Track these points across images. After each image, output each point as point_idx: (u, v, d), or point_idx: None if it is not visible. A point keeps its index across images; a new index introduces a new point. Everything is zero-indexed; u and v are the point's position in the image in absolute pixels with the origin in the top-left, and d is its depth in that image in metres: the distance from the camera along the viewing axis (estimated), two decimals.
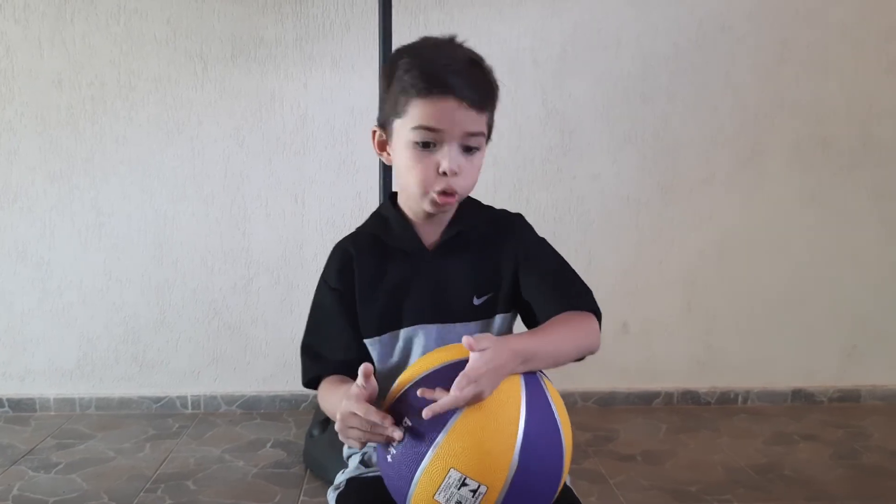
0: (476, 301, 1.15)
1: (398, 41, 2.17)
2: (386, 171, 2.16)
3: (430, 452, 0.90)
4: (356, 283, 1.16)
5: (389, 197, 1.22)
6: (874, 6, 2.59)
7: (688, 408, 2.69)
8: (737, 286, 2.68)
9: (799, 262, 2.68)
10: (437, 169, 1.07)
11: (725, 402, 2.72)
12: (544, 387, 0.99)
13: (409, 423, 0.92)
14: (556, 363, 1.04)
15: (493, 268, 1.16)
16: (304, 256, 2.56)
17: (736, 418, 2.60)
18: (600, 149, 2.59)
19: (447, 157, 1.06)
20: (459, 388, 0.90)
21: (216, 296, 2.57)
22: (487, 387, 0.91)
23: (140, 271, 2.54)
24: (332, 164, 2.53)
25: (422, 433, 0.91)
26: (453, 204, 1.11)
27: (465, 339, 0.93)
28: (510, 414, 0.92)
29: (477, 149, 1.10)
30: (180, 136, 2.49)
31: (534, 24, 2.51)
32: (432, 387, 0.92)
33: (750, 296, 2.68)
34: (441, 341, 1.12)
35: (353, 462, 1.20)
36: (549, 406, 0.97)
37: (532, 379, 0.98)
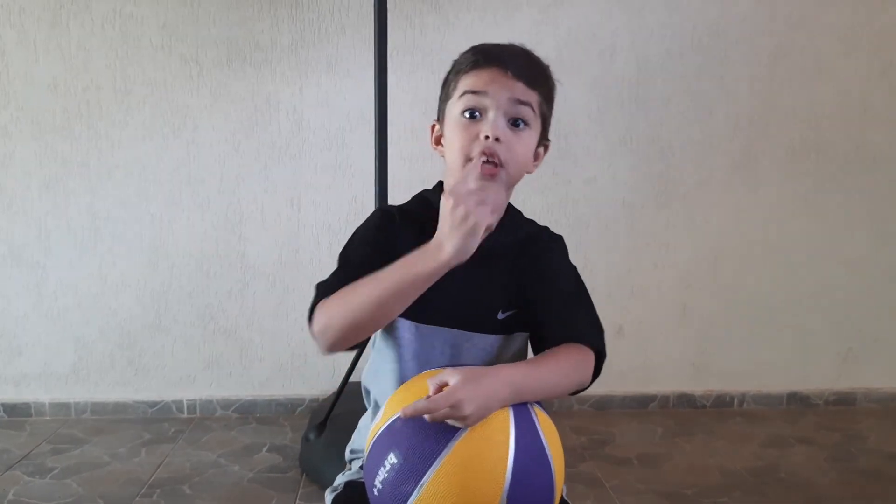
0: (501, 315, 1.12)
1: (393, 46, 2.18)
2: (382, 175, 2.16)
3: (416, 492, 0.89)
4: (396, 247, 1.08)
5: (439, 183, 1.18)
6: (867, 11, 2.60)
7: (683, 411, 2.69)
8: (731, 290, 2.69)
9: (793, 265, 2.69)
10: (480, 136, 1.06)
11: (721, 406, 2.72)
12: (535, 419, 0.97)
13: (395, 461, 0.91)
14: (547, 397, 1.01)
15: (524, 285, 1.13)
16: (300, 261, 2.56)
17: (732, 421, 2.60)
18: (595, 153, 2.60)
19: (490, 123, 1.06)
20: (439, 398, 0.89)
21: (212, 300, 2.57)
22: (474, 410, 0.89)
23: (136, 275, 2.54)
24: (328, 169, 2.53)
25: (408, 471, 0.90)
26: (497, 177, 1.06)
27: (428, 381, 0.93)
28: (498, 450, 0.90)
29: (525, 124, 1.09)
30: (176, 140, 2.49)
31: (529, 29, 2.52)
32: (415, 423, 0.91)
33: (744, 299, 2.69)
34: (455, 348, 1.10)
35: (356, 465, 1.19)
36: (540, 442, 0.95)
37: (522, 412, 0.96)
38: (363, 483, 1.14)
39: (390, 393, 1.04)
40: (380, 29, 2.13)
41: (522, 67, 1.09)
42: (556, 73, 2.69)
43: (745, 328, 2.70)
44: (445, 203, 0.97)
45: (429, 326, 1.10)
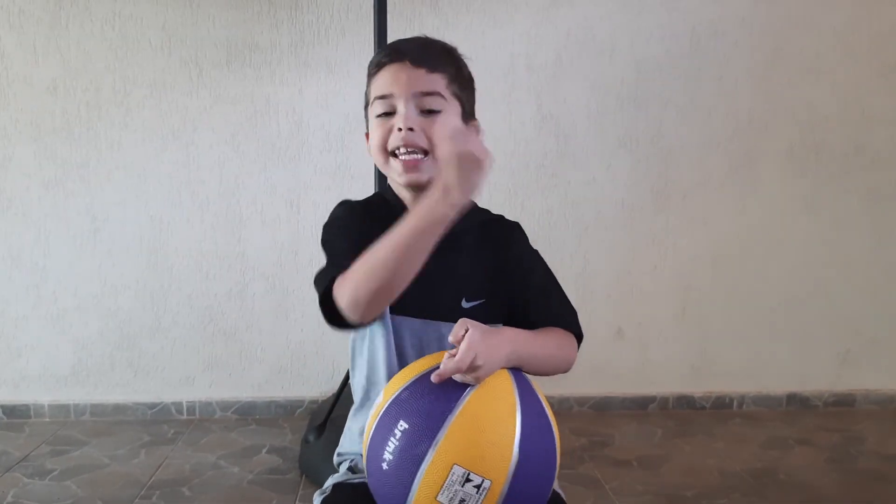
0: (465, 304, 1.14)
1: None
2: (381, 177, 2.16)
3: (430, 451, 0.89)
4: (372, 232, 1.10)
5: (389, 184, 1.21)
6: (866, 12, 2.60)
7: (683, 412, 2.69)
8: (731, 291, 2.69)
9: (793, 266, 2.69)
10: (393, 129, 1.10)
11: (720, 407, 2.72)
12: (528, 379, 1.00)
13: (406, 426, 0.91)
14: (539, 370, 1.05)
15: (488, 274, 1.15)
16: (300, 262, 2.56)
17: (731, 423, 2.60)
18: (595, 154, 2.60)
19: (401, 115, 1.09)
20: (464, 354, 0.91)
21: (211, 301, 2.57)
22: (485, 360, 0.92)
23: (135, 277, 2.53)
24: (327, 170, 2.53)
25: (420, 433, 0.90)
26: (418, 165, 1.09)
27: (450, 338, 0.95)
28: (507, 404, 0.93)
29: (437, 111, 1.10)
30: (175, 141, 2.49)
31: (528, 30, 2.52)
32: (422, 390, 0.93)
33: (744, 300, 2.69)
34: (423, 339, 1.11)
35: (343, 468, 1.20)
36: (538, 398, 0.98)
37: (518, 374, 0.99)
38: (349, 484, 1.14)
39: (372, 382, 1.09)
40: (379, 30, 2.13)
41: (421, 53, 1.11)
42: (556, 74, 2.69)
43: (744, 329, 2.71)
44: (445, 152, 0.94)
45: (397, 317, 1.12)
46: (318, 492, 1.18)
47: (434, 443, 0.89)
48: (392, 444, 0.91)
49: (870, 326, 2.74)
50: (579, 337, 1.14)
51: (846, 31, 2.61)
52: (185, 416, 2.58)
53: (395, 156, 1.11)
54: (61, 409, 2.56)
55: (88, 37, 2.43)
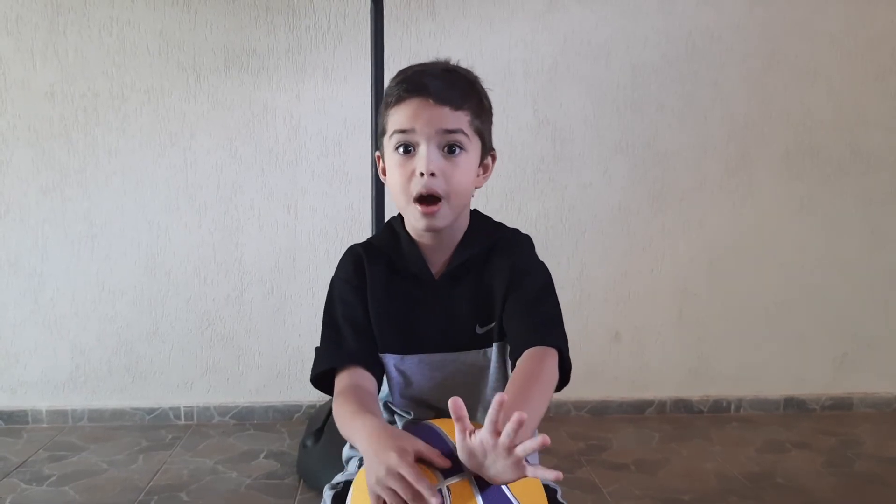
0: (479, 330, 1.14)
1: (390, 52, 2.19)
2: (378, 182, 2.17)
3: None
4: (368, 289, 1.14)
5: (399, 214, 1.20)
6: (861, 16, 2.62)
7: (680, 416, 2.69)
8: (728, 294, 2.69)
9: (789, 269, 2.70)
10: (415, 173, 1.06)
11: (718, 411, 2.72)
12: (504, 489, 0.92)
13: None
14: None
15: (492, 295, 1.14)
16: (297, 267, 2.56)
17: (728, 427, 2.60)
18: (591, 158, 2.60)
19: (423, 157, 1.05)
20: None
21: (209, 306, 2.57)
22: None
23: (133, 282, 2.54)
24: (324, 175, 2.54)
25: None
26: (436, 213, 1.08)
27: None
28: None
29: (461, 149, 1.08)
30: (173, 147, 2.50)
31: (525, 35, 2.53)
32: None
33: (741, 304, 2.70)
34: (441, 370, 1.12)
35: (353, 466, 1.19)
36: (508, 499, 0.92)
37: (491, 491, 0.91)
38: None
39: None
40: (376, 35, 2.14)
41: (445, 90, 1.06)
42: (553, 79, 2.70)
43: (741, 333, 2.71)
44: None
45: (412, 357, 1.12)
46: (328, 485, 1.18)
47: None
48: None
49: (866, 329, 2.75)
50: (562, 349, 1.10)
51: (841, 36, 2.62)
52: (182, 422, 2.58)
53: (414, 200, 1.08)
54: (59, 415, 2.55)
55: (86, 42, 2.44)
